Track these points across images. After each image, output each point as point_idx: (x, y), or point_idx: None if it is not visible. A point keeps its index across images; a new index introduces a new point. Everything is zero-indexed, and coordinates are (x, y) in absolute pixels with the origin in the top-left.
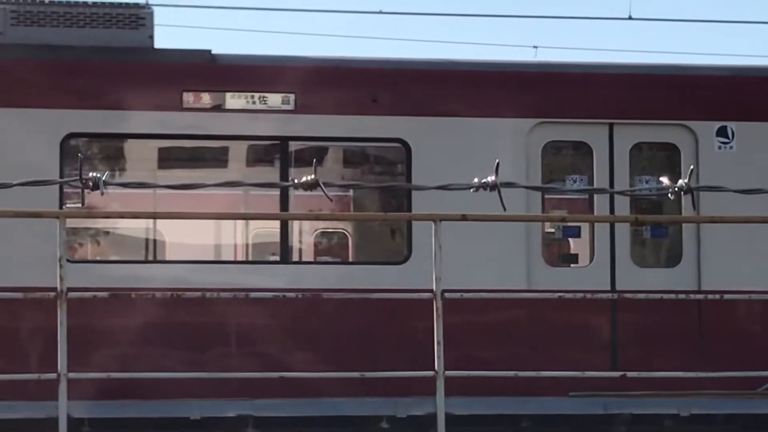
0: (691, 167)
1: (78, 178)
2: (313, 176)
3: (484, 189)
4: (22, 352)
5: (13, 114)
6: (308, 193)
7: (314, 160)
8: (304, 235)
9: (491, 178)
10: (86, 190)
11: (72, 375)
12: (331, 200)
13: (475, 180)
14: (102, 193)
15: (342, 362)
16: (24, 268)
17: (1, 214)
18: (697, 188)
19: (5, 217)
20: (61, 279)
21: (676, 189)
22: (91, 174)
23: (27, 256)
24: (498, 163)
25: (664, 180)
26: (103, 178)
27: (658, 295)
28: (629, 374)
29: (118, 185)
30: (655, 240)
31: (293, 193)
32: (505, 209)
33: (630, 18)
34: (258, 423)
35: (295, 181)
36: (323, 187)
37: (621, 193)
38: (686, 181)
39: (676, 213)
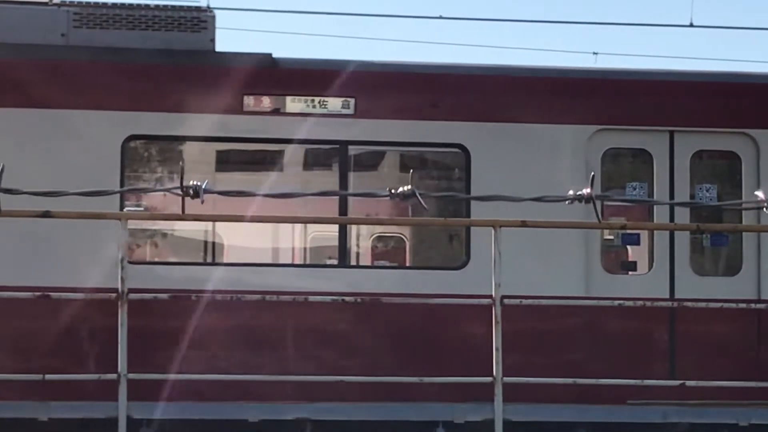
0: None
1: (179, 186)
2: (409, 186)
3: (579, 201)
4: (82, 352)
5: (75, 116)
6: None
7: (411, 171)
8: (362, 239)
9: (587, 191)
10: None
11: (132, 375)
12: (426, 209)
13: (570, 192)
14: (202, 202)
15: (399, 367)
16: (85, 270)
17: (64, 216)
18: None
19: (69, 218)
20: (122, 280)
21: None
22: (191, 182)
23: (88, 258)
24: (593, 176)
25: (759, 194)
26: (204, 186)
27: (718, 304)
28: (688, 383)
29: (219, 193)
30: (714, 249)
31: (352, 198)
32: (600, 221)
33: (691, 25)
34: (316, 426)
35: (392, 191)
36: (420, 197)
37: (711, 206)
38: None
39: (737, 222)
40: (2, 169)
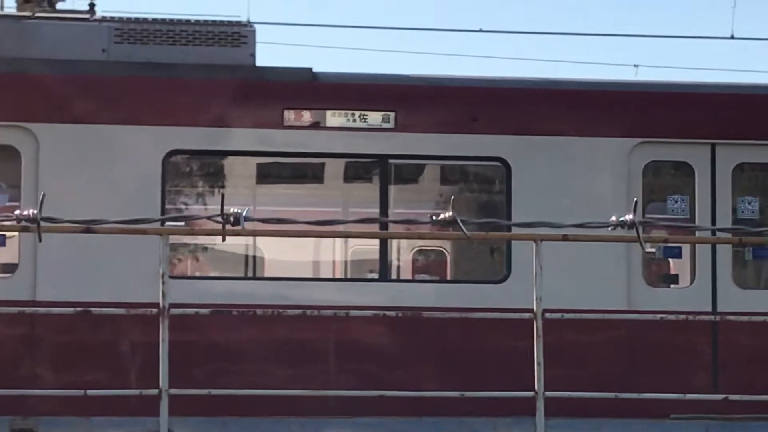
0: None
1: (219, 214)
2: (450, 213)
3: (622, 227)
4: (123, 367)
5: (116, 131)
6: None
7: (452, 198)
8: (403, 253)
9: (629, 217)
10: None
11: (174, 391)
12: (468, 237)
13: (613, 218)
14: (243, 228)
15: (440, 381)
16: (126, 284)
17: (106, 231)
18: None
19: (110, 234)
20: (164, 295)
21: None
22: (232, 210)
23: (130, 272)
24: (636, 201)
25: None
26: (244, 214)
27: (761, 318)
28: (731, 397)
29: (258, 221)
30: (757, 261)
31: (392, 211)
32: (643, 248)
33: (732, 37)
34: None
35: (433, 218)
36: (461, 224)
37: (753, 233)
38: None
39: None
40: (42, 198)
